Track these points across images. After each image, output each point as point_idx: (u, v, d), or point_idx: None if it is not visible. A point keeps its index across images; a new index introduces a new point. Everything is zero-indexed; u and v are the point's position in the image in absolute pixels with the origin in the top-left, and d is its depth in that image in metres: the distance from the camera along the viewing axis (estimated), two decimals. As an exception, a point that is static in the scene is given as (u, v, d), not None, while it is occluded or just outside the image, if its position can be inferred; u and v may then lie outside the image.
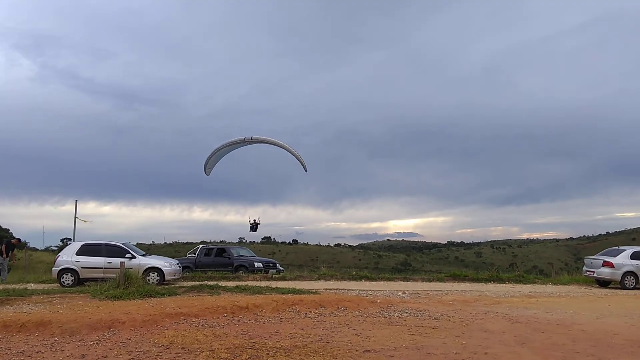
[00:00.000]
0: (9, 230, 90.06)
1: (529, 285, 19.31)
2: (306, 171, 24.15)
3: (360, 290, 15.12)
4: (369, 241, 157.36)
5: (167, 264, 17.54)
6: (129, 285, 12.59)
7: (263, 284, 16.29)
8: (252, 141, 23.22)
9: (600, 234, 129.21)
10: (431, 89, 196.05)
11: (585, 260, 20.36)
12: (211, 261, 23.27)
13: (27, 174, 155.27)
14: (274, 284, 16.07)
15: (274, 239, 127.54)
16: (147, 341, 8.10)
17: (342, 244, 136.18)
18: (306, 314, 10.72)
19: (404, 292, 14.62)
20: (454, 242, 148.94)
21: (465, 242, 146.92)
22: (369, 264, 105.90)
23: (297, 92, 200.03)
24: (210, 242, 27.65)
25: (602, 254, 19.62)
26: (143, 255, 17.97)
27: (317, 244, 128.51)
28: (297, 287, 14.84)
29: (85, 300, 11.83)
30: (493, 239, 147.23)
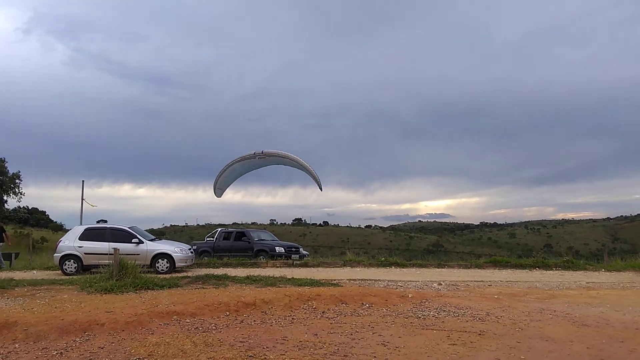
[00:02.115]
0: (45, 212, 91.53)
1: (580, 273, 17.20)
2: (321, 190, 23.60)
3: (388, 280, 13.28)
4: (400, 222, 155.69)
5: (177, 250, 16.07)
6: (123, 275, 11.06)
7: (280, 272, 14.64)
8: (264, 155, 22.07)
9: (638, 214, 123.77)
10: (464, 66, 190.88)
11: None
12: (230, 245, 21.82)
13: (65, 158, 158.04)
14: (291, 273, 14.41)
15: (304, 220, 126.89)
16: (122, 351, 6.51)
17: (373, 226, 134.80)
18: (323, 312, 9.00)
19: (440, 284, 12.74)
20: (487, 222, 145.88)
21: (499, 222, 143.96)
22: (400, 245, 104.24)
23: (327, 73, 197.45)
24: (229, 225, 26.16)
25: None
26: (152, 240, 16.54)
27: (347, 226, 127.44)
28: (317, 277, 13.13)
29: (72, 293, 10.37)
30: (527, 220, 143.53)
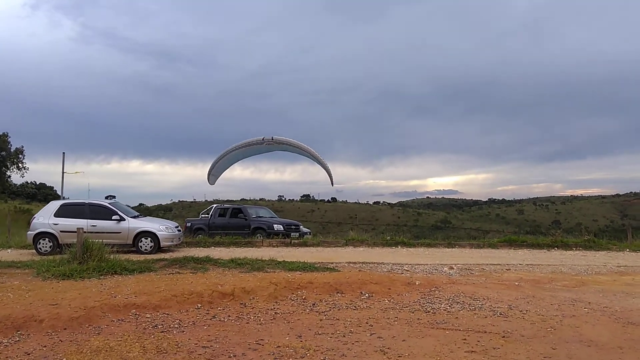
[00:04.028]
0: (53, 187, 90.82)
1: (603, 253, 15.74)
2: (332, 185, 22.83)
3: (393, 264, 11.80)
4: (408, 199, 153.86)
5: (162, 228, 14.69)
6: (88, 258, 9.65)
7: (275, 252, 13.25)
8: (272, 142, 20.56)
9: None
10: (474, 43, 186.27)
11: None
12: (226, 222, 20.42)
13: (73, 134, 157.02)
14: (287, 254, 13.01)
15: (312, 196, 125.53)
16: (52, 358, 5.12)
17: (381, 202, 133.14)
18: (314, 304, 7.57)
19: (451, 267, 11.25)
20: (495, 199, 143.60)
21: (507, 199, 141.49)
22: (408, 221, 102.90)
23: (335, 50, 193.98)
24: (225, 201, 24.69)
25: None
26: (135, 217, 15.12)
27: (356, 202, 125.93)
28: (314, 259, 11.66)
29: (25, 279, 8.99)
30: (535, 196, 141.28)
